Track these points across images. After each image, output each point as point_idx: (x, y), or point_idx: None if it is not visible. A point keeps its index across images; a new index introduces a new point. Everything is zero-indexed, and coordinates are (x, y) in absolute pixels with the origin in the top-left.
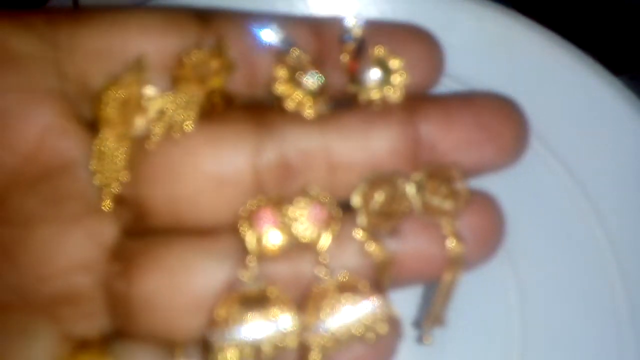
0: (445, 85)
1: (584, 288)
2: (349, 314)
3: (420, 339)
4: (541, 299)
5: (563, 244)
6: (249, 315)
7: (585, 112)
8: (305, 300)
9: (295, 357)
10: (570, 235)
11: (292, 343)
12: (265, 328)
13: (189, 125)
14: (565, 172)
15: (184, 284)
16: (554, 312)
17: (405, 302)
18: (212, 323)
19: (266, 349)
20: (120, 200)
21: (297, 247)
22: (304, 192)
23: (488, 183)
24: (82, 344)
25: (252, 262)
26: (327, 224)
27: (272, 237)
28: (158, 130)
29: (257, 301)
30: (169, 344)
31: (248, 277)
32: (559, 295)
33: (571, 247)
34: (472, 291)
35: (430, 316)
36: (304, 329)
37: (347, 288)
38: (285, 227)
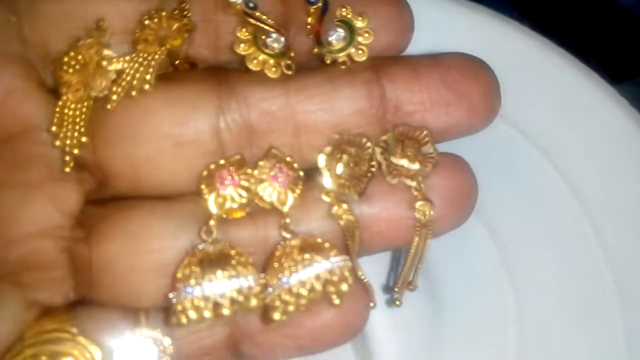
0: None
1: (579, 294)
2: (310, 271)
3: (390, 302)
4: (537, 309)
5: (558, 249)
6: (209, 274)
7: (578, 116)
8: (268, 261)
9: (258, 318)
10: (566, 241)
11: (253, 302)
12: (226, 286)
13: (148, 85)
14: (560, 177)
15: (145, 247)
16: (549, 316)
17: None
18: (174, 284)
19: (226, 306)
20: (82, 166)
21: (261, 211)
22: (267, 154)
23: (488, 188)
24: (47, 311)
25: (213, 222)
26: (291, 185)
27: (235, 199)
28: (117, 91)
29: (218, 260)
30: (133, 311)
31: (209, 238)
32: (555, 301)
33: (566, 253)
34: (467, 296)
35: (400, 280)
36: (266, 287)
37: (310, 247)
38: (248, 189)
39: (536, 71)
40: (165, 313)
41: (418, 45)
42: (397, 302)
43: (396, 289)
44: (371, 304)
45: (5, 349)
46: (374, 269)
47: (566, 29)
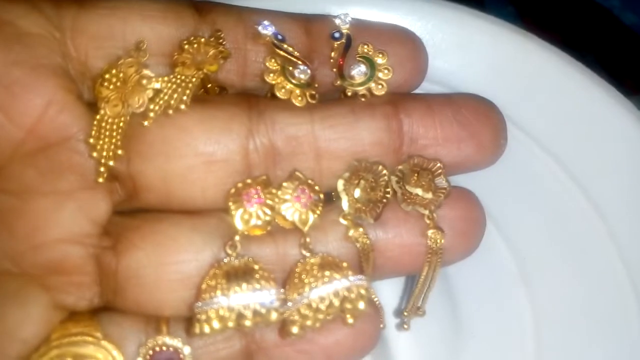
0: None
1: (598, 306)
2: (329, 288)
3: (400, 326)
4: (555, 321)
5: (577, 262)
6: (235, 286)
7: (597, 130)
8: (289, 276)
9: (276, 332)
10: (585, 254)
11: (274, 315)
12: (249, 298)
13: (184, 104)
14: (579, 191)
15: (170, 260)
16: (568, 328)
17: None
18: (199, 295)
19: (249, 318)
20: (114, 177)
21: (282, 230)
22: (291, 176)
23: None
24: (72, 315)
25: (238, 237)
26: (312, 207)
27: (259, 216)
28: (154, 108)
29: (243, 274)
30: (155, 319)
31: (234, 253)
32: (573, 313)
33: (585, 266)
34: (486, 308)
35: (410, 305)
36: (285, 301)
37: (329, 266)
38: (272, 208)
39: (556, 85)
40: (187, 322)
41: (439, 59)
42: (405, 326)
43: (405, 314)
44: (381, 325)
45: (32, 349)
46: (389, 291)
47: (571, 49)
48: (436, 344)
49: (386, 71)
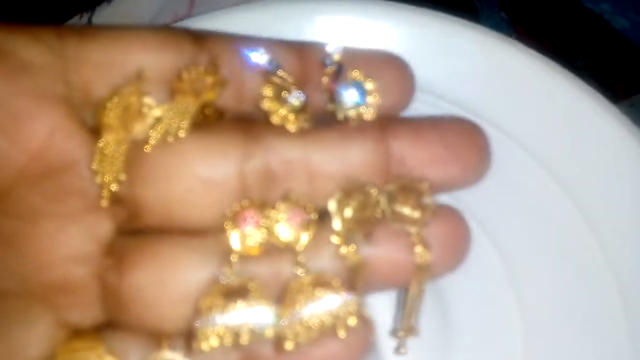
0: (444, 109)
1: (584, 304)
2: (321, 306)
3: (396, 350)
4: (544, 325)
5: (563, 262)
6: (230, 305)
7: (582, 135)
8: (283, 294)
9: (271, 346)
10: (570, 253)
11: (269, 332)
12: (245, 317)
13: (183, 132)
14: (563, 192)
15: (171, 279)
16: (555, 326)
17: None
18: (197, 313)
19: (245, 336)
20: (117, 200)
21: (277, 249)
22: (285, 197)
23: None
24: (77, 332)
25: (235, 258)
26: (305, 226)
27: (254, 236)
28: (155, 135)
29: (238, 293)
30: (157, 335)
31: (231, 272)
32: (560, 318)
33: (570, 266)
34: (474, 313)
35: (402, 325)
36: (280, 319)
37: (321, 284)
38: (267, 228)
39: (543, 92)
40: (187, 338)
41: (429, 68)
42: (402, 350)
43: (399, 335)
44: (371, 337)
45: None
46: (381, 304)
47: (560, 53)
48: (426, 349)
49: (374, 95)
